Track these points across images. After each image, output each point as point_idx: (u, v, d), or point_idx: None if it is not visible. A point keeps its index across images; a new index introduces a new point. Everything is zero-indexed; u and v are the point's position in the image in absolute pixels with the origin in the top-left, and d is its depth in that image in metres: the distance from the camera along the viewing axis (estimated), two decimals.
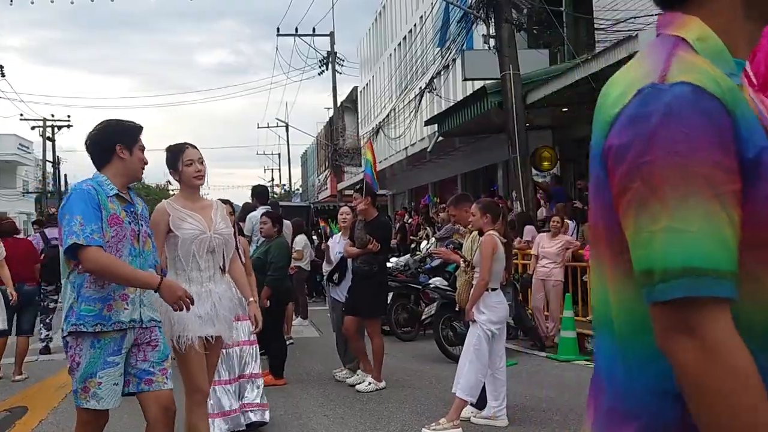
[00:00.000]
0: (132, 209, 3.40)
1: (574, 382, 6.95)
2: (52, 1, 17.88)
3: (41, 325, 9.02)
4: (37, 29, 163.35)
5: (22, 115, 39.40)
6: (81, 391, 3.19)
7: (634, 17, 11.14)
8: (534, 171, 13.26)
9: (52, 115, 40.65)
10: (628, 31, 10.63)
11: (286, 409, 6.07)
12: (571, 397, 6.26)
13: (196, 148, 4.00)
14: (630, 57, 7.94)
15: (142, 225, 3.43)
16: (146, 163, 3.50)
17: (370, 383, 6.74)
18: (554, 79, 11.43)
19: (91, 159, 3.44)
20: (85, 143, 3.44)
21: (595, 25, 12.78)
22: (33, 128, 40.36)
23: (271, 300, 6.84)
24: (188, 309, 3.30)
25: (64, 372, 7.95)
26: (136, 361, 3.32)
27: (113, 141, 3.37)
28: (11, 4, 19.46)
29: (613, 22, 11.80)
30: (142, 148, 3.47)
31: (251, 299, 4.33)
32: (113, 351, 3.22)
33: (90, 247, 3.10)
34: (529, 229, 10.38)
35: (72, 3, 17.93)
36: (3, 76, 30.06)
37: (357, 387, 6.76)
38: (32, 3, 17.54)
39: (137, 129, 3.49)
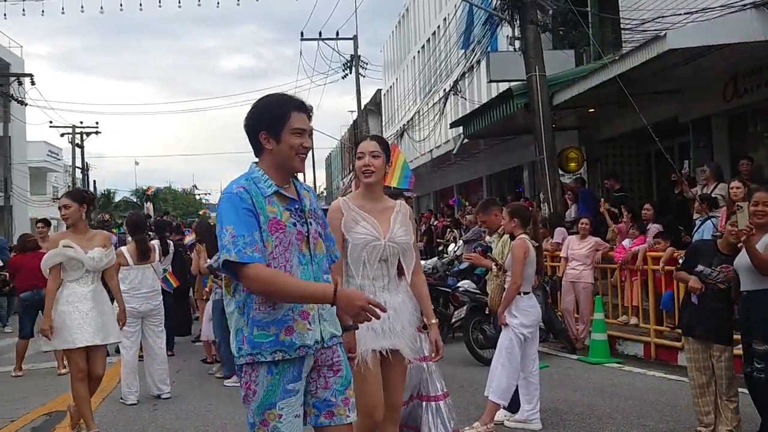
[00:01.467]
0: (297, 206, 2.81)
1: (607, 384, 6.92)
2: (83, 11, 18.14)
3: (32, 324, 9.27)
4: (61, 37, 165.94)
5: (51, 122, 39.89)
6: (259, 425, 2.70)
7: (661, 16, 11.05)
8: (560, 172, 13.20)
9: (81, 122, 41.22)
10: (655, 30, 10.55)
11: None
12: (604, 400, 6.24)
13: (374, 140, 3.61)
14: (658, 57, 7.90)
15: (311, 224, 2.84)
16: (305, 150, 2.83)
17: None
18: (580, 80, 11.38)
19: (251, 145, 2.87)
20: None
21: (622, 25, 12.69)
22: (62, 135, 40.92)
23: None
24: (377, 317, 2.73)
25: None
26: (316, 389, 2.80)
27: (256, 129, 2.79)
28: (42, 15, 19.78)
29: (639, 21, 11.71)
30: (298, 131, 2.78)
31: (432, 321, 3.70)
32: (293, 377, 2.72)
33: (247, 264, 2.61)
34: (559, 231, 10.34)
35: (102, 12, 18.18)
36: (33, 84, 30.50)
37: None
38: (63, 13, 17.80)
39: (287, 107, 2.79)
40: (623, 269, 9.05)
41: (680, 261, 5.45)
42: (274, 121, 2.76)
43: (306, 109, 2.86)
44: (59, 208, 5.51)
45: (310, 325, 2.71)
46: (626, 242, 9.37)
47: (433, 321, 3.66)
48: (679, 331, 7.49)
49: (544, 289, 8.98)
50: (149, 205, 20.91)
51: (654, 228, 9.23)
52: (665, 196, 12.87)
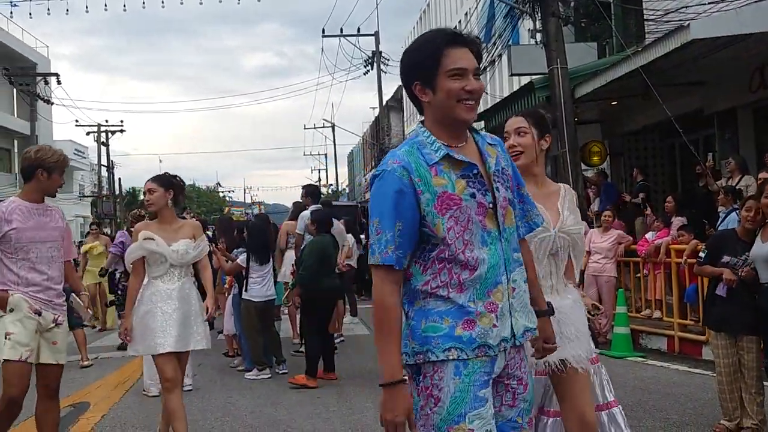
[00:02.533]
0: (476, 171, 2.23)
1: (629, 378, 6.85)
2: (106, 9, 18.38)
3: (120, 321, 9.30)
4: (86, 37, 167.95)
5: (77, 121, 40.43)
6: None
7: (685, 6, 10.90)
8: (582, 166, 13.10)
9: (106, 121, 41.69)
10: (679, 21, 10.41)
11: (339, 405, 6.14)
12: (626, 394, 6.18)
13: (521, 115, 3.18)
14: (682, 47, 7.79)
15: (498, 189, 2.26)
16: (470, 94, 2.21)
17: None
18: (603, 72, 11.26)
19: (413, 103, 2.38)
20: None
21: (645, 16, 12.55)
22: (88, 134, 41.42)
23: (312, 300, 7.10)
24: None
25: (123, 369, 8.21)
26: (501, 405, 2.26)
27: (409, 81, 2.28)
28: (67, 14, 20.05)
29: (663, 12, 11.57)
30: (456, 72, 2.19)
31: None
32: (483, 382, 2.18)
33: (380, 267, 2.16)
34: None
35: (125, 10, 18.38)
36: (59, 83, 30.98)
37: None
38: (87, 12, 18.04)
39: (437, 44, 2.23)
40: (646, 262, 8.95)
41: (700, 255, 5.35)
42: (425, 66, 2.22)
43: (465, 41, 2.25)
44: (143, 193, 5.03)
45: (497, 321, 2.19)
46: (650, 235, 9.26)
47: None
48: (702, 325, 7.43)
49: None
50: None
51: (678, 221, 9.12)
52: (690, 188, 12.71)
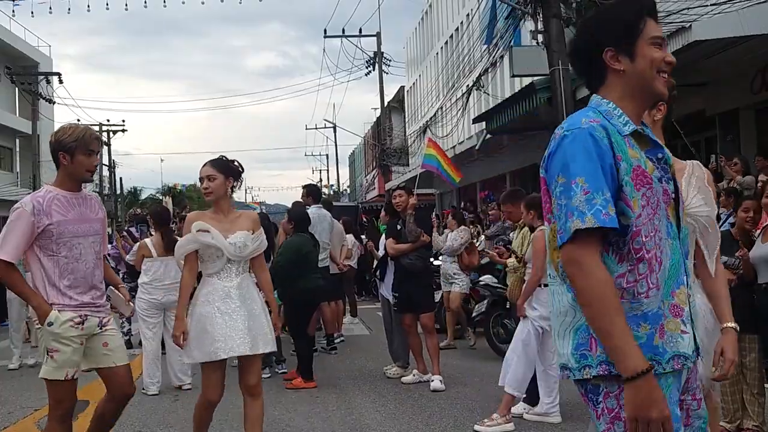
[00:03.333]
0: (659, 155, 2.01)
1: None
2: (108, 8, 18.39)
3: (122, 319, 9.23)
4: (89, 37, 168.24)
5: (78, 120, 40.51)
6: None
7: (687, 8, 10.90)
8: None
9: (108, 120, 41.79)
10: (681, 22, 10.41)
11: (338, 404, 6.14)
12: None
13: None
14: (684, 49, 7.79)
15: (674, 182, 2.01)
16: (669, 65, 2.00)
17: (415, 374, 6.93)
18: None
19: (584, 80, 2.12)
20: (569, 57, 2.17)
21: None
22: None
23: (289, 300, 7.00)
24: None
25: None
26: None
27: (600, 45, 1.99)
28: (69, 12, 20.08)
29: (665, 14, 11.55)
30: (657, 40, 1.99)
31: (730, 324, 2.42)
32: (677, 400, 1.92)
33: (587, 234, 1.82)
34: None
35: (126, 9, 18.41)
36: (61, 83, 31.03)
37: (403, 379, 6.97)
38: (88, 11, 18.05)
39: (639, 10, 2.00)
40: None
41: None
42: (625, 31, 1.97)
43: (657, 15, 2.05)
44: (200, 180, 4.33)
45: (684, 326, 1.89)
46: None
47: (731, 325, 2.41)
48: None
49: None
50: (167, 200, 21.18)
51: None
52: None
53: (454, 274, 8.77)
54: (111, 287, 4.14)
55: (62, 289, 3.64)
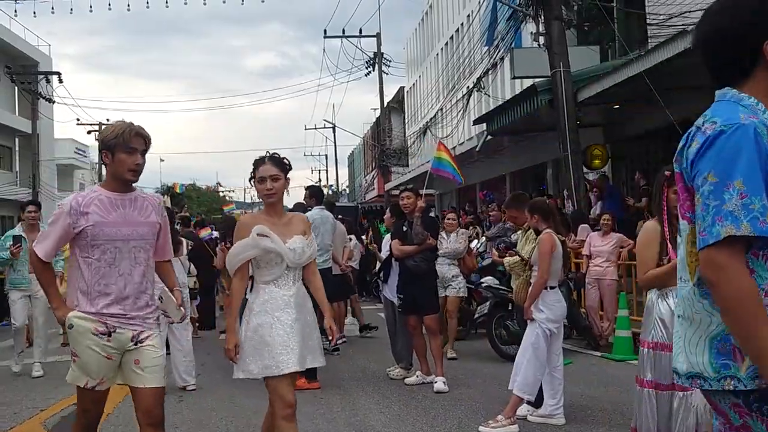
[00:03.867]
0: None
1: (631, 381, 6.83)
2: (110, 8, 18.42)
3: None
4: (89, 37, 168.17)
5: (78, 119, 40.56)
6: None
7: (688, 11, 10.94)
8: (584, 169, 13.14)
9: (107, 120, 41.68)
10: (683, 25, 10.46)
11: (343, 406, 6.16)
12: (629, 397, 6.19)
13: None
14: (685, 51, 7.82)
15: None
16: None
17: (418, 376, 6.99)
18: (606, 75, 11.30)
19: (716, 69, 1.94)
20: (700, 41, 1.95)
21: (648, 20, 12.58)
22: (89, 132, 41.45)
23: None
24: None
25: None
26: None
27: (753, 35, 1.83)
28: (71, 13, 20.12)
29: (666, 17, 11.61)
30: None
31: None
32: None
33: (733, 241, 1.71)
34: (583, 228, 10.29)
35: (128, 10, 18.45)
36: (61, 82, 31.02)
37: (406, 380, 7.01)
38: (91, 11, 18.08)
39: None
40: None
41: None
42: None
43: None
44: (261, 180, 3.86)
45: None
46: None
47: None
48: None
49: (568, 285, 8.93)
50: (166, 199, 21.18)
51: None
52: None
53: (453, 277, 8.45)
54: (163, 287, 3.76)
55: (92, 296, 3.38)
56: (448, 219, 8.82)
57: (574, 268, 9.88)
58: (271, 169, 3.85)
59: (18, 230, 8.08)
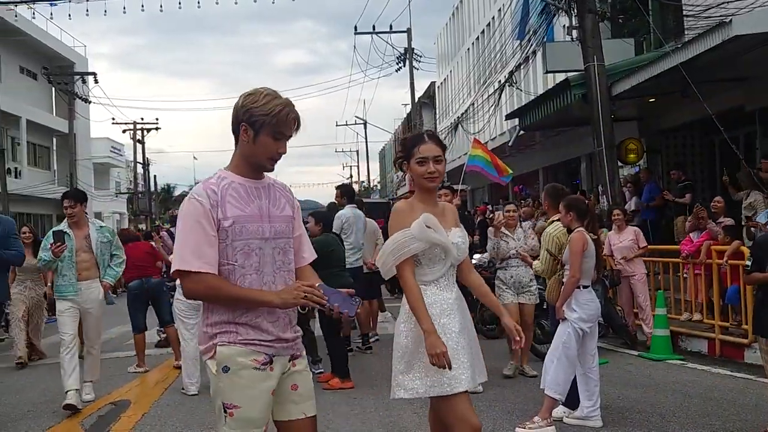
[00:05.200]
0: None
1: (669, 382, 6.75)
2: (143, 9, 18.63)
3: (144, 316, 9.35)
4: (122, 36, 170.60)
5: (113, 119, 41.34)
6: None
7: (726, 2, 10.69)
8: (619, 164, 12.94)
9: (142, 119, 42.36)
10: (720, 16, 10.21)
11: (376, 406, 6.15)
12: (667, 398, 6.09)
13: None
14: (724, 43, 7.65)
15: None
16: None
17: None
18: (641, 69, 11.10)
19: None
20: None
21: (684, 12, 12.32)
22: (124, 131, 42.19)
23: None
24: None
25: (162, 367, 8.31)
26: None
27: None
28: (105, 15, 20.37)
29: (703, 7, 11.35)
30: None
31: None
32: None
33: None
34: None
35: (161, 11, 18.62)
36: (96, 82, 31.49)
37: None
38: (124, 12, 18.29)
39: None
40: (686, 263, 8.80)
41: (747, 264, 5.22)
42: None
43: None
44: (421, 161, 3.27)
45: None
46: (693, 235, 9.08)
47: None
48: (746, 327, 7.28)
49: (603, 283, 8.79)
50: None
51: (725, 222, 8.93)
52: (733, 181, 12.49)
53: (530, 281, 7.19)
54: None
55: (235, 314, 2.62)
56: (508, 212, 7.42)
57: (609, 266, 9.72)
58: (435, 149, 3.26)
59: (63, 226, 6.62)
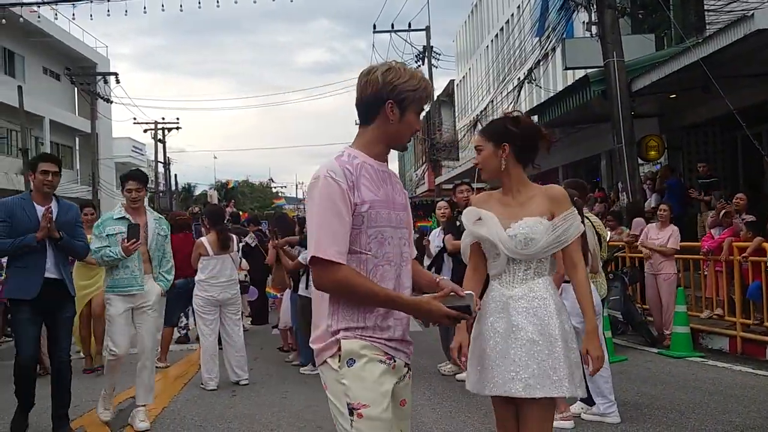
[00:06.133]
0: None
1: (690, 379, 6.69)
2: (163, 9, 18.77)
3: (181, 313, 9.37)
4: (143, 37, 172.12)
5: (135, 119, 41.75)
6: None
7: None
8: (639, 160, 12.84)
9: (163, 118, 42.72)
10: (742, 10, 10.09)
11: None
12: (687, 395, 6.04)
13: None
14: (746, 38, 7.56)
15: None
16: None
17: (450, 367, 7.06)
18: (661, 64, 11.01)
19: None
20: None
21: (706, 6, 12.19)
22: (145, 131, 42.60)
23: None
24: None
25: (182, 362, 8.38)
26: None
27: None
28: (126, 15, 20.53)
29: (725, 2, 11.23)
30: None
31: None
32: None
33: None
34: (638, 222, 10.03)
35: (181, 11, 18.76)
36: (118, 82, 31.82)
37: (457, 376, 6.91)
38: (145, 12, 18.45)
39: None
40: (707, 260, 8.70)
41: None
42: None
43: None
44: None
45: None
46: (714, 231, 8.97)
47: None
48: None
49: (622, 280, 8.74)
50: (213, 192, 21.46)
51: (747, 218, 8.83)
52: (754, 183, 12.33)
53: None
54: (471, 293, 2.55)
55: (365, 312, 2.37)
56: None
57: (628, 263, 9.65)
58: (475, 140, 3.20)
59: (120, 212, 5.61)
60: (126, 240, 5.38)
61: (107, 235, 5.48)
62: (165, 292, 5.90)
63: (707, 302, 8.83)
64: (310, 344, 2.48)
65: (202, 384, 6.90)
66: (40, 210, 5.15)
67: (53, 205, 5.28)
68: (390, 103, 2.40)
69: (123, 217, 5.58)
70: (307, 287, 7.54)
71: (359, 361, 2.33)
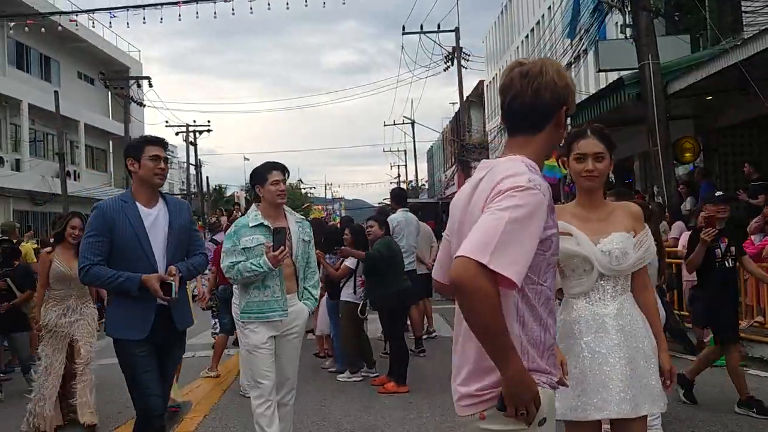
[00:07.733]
0: None
1: (730, 387, 6.59)
2: (197, 16, 19.02)
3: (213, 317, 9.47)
4: (174, 40, 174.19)
5: (167, 122, 42.24)
6: None
7: None
8: (674, 162, 12.69)
9: (194, 121, 43.26)
10: None
11: (432, 411, 6.16)
12: (727, 404, 5.97)
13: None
14: None
15: None
16: None
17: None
18: (698, 66, 10.87)
19: None
20: None
21: (743, 8, 12.01)
22: (177, 134, 43.10)
23: (383, 304, 7.19)
24: None
25: (219, 368, 8.47)
26: None
27: None
28: (161, 22, 20.86)
29: (762, 3, 11.06)
30: None
31: None
32: None
33: None
34: (677, 225, 9.91)
35: (215, 17, 18.98)
36: (151, 86, 32.25)
37: None
38: (179, 19, 18.70)
39: None
40: None
41: None
42: None
43: None
44: (579, 158, 2.97)
45: None
46: (755, 237, 8.83)
47: None
48: None
49: (661, 288, 8.64)
50: (241, 193, 21.66)
51: None
52: None
53: None
54: None
55: (546, 349, 2.03)
56: None
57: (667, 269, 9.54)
58: (596, 145, 2.92)
59: (256, 215, 4.50)
60: (273, 248, 4.32)
61: (243, 249, 4.40)
62: (311, 312, 4.76)
63: (748, 309, 8.70)
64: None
65: (241, 391, 6.97)
66: (146, 213, 3.86)
67: (160, 205, 3.97)
68: (566, 108, 2.08)
69: (261, 224, 4.46)
70: (355, 292, 7.57)
71: (550, 410, 2.05)
